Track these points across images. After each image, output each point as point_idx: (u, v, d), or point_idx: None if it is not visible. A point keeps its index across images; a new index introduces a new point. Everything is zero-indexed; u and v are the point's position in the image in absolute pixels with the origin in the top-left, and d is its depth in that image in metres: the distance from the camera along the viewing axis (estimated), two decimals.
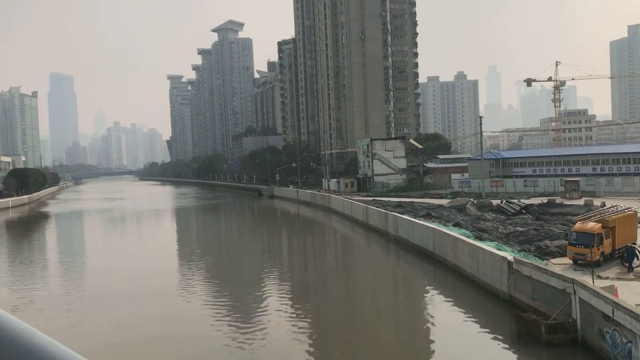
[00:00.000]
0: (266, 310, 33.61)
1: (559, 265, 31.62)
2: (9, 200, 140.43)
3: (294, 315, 32.14)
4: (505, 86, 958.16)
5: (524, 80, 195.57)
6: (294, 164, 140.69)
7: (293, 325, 30.04)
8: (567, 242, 33.14)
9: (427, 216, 56.30)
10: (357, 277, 46.36)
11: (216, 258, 57.42)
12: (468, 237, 40.72)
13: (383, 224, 63.32)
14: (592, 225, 31.38)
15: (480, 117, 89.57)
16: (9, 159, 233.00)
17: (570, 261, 31.63)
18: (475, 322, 30.30)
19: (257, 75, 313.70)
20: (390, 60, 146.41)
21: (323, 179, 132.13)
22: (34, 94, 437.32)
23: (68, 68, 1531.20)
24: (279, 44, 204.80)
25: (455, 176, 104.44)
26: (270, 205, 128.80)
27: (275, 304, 34.86)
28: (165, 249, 64.85)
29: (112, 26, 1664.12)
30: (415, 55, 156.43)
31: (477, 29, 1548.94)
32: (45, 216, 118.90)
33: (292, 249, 66.83)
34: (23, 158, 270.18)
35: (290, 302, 35.84)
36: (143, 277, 45.07)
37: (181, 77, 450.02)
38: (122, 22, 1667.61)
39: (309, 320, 31.62)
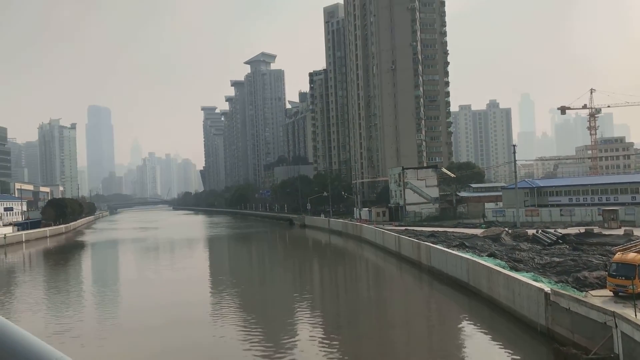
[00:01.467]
0: (298, 341, 33.34)
1: (599, 297, 30.59)
2: (47, 230, 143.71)
3: (326, 346, 31.75)
4: (538, 114, 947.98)
5: (558, 108, 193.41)
6: (325, 193, 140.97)
7: (325, 357, 29.65)
8: (606, 273, 32.14)
9: (461, 246, 55.52)
10: (389, 308, 45.73)
11: (248, 287, 57.44)
12: (503, 267, 39.91)
13: (416, 254, 62.59)
14: (632, 256, 30.39)
15: (514, 146, 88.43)
16: (47, 189, 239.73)
17: (611, 293, 30.59)
18: (512, 355, 29.49)
19: (288, 106, 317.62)
20: (421, 89, 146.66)
21: (354, 208, 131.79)
22: (73, 126, 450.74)
23: (105, 100, 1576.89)
24: (311, 74, 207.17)
25: (489, 205, 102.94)
26: (301, 234, 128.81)
27: (307, 334, 34.58)
28: (198, 278, 65.27)
29: (148, 59, 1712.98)
30: (447, 84, 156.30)
31: (510, 57, 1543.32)
32: (81, 245, 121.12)
33: (323, 278, 66.44)
34: (61, 188, 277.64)
35: (322, 333, 35.46)
36: (176, 306, 45.26)
37: (215, 108, 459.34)
38: (158, 55, 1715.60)
39: (341, 351, 31.19)
